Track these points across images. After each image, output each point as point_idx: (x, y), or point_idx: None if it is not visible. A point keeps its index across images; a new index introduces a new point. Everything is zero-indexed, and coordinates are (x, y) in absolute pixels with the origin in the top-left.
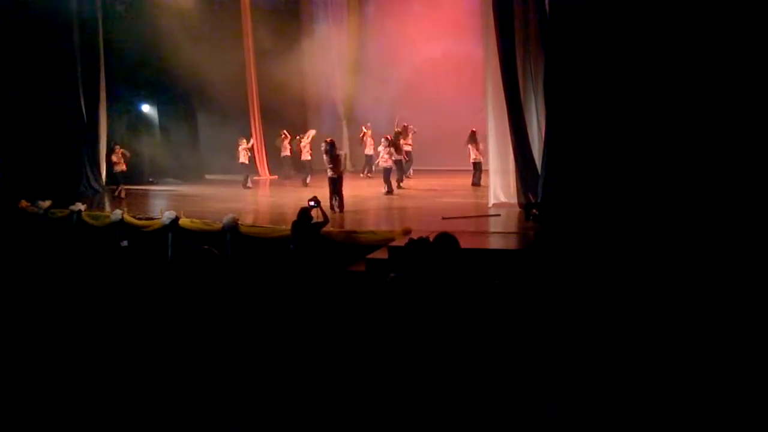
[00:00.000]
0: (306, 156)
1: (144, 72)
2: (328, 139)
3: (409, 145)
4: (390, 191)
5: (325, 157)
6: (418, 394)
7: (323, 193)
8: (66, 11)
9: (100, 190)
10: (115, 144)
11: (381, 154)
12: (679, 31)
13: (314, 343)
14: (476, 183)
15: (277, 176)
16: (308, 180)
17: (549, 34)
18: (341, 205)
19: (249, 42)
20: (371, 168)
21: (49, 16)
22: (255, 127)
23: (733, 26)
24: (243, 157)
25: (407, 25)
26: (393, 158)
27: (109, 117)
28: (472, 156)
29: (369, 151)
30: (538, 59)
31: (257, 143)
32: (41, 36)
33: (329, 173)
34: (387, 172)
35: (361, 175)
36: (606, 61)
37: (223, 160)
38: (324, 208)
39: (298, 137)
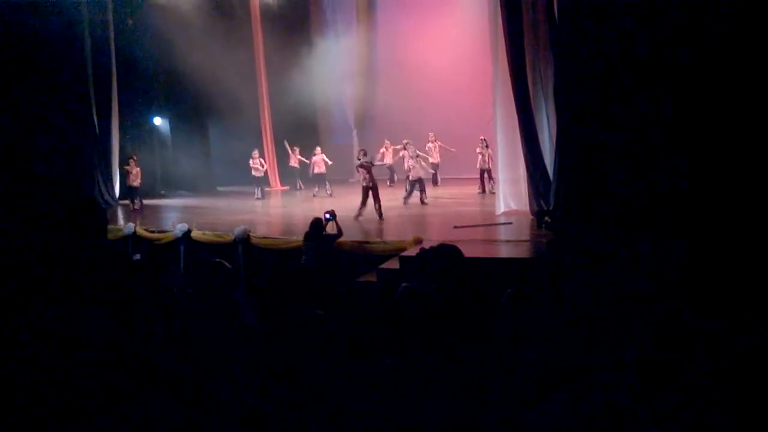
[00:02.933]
0: (321, 169)
1: (155, 85)
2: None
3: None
4: (407, 199)
5: (361, 165)
6: (429, 403)
7: (340, 205)
8: (77, 26)
9: (113, 203)
10: (131, 158)
11: (411, 165)
12: (690, 34)
13: (325, 354)
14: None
15: (288, 187)
16: (329, 190)
17: (558, 40)
18: (380, 212)
19: (259, 53)
20: (393, 178)
21: (60, 31)
22: (266, 137)
23: (746, 29)
24: (255, 171)
25: (416, 34)
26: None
27: (121, 130)
28: (482, 163)
29: (389, 162)
30: (547, 65)
31: (269, 154)
32: (53, 50)
33: (365, 182)
34: (414, 182)
35: (389, 184)
36: (616, 66)
37: (235, 171)
38: (340, 219)
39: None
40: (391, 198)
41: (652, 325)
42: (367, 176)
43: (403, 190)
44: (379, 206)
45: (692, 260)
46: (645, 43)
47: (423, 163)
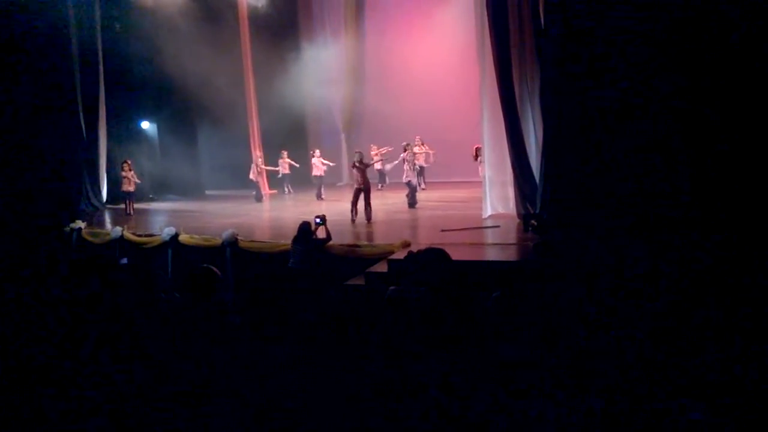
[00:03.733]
0: (318, 171)
1: (143, 89)
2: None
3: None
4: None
5: (356, 167)
6: (418, 407)
7: (331, 209)
8: (64, 30)
9: (100, 207)
10: (125, 162)
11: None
12: (675, 38)
13: (312, 358)
14: None
15: (276, 191)
16: (323, 194)
17: (544, 45)
18: (369, 215)
19: (247, 57)
20: (385, 181)
21: (47, 36)
22: (254, 141)
23: (733, 32)
24: (253, 174)
25: (404, 39)
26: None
27: (108, 134)
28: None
29: (379, 166)
30: (533, 69)
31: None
32: (40, 55)
33: (357, 184)
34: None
35: (380, 186)
36: (602, 70)
37: (224, 176)
38: (331, 224)
39: (312, 152)
40: (381, 202)
41: (645, 327)
42: (360, 178)
43: (397, 194)
44: (369, 210)
45: (682, 263)
46: (631, 47)
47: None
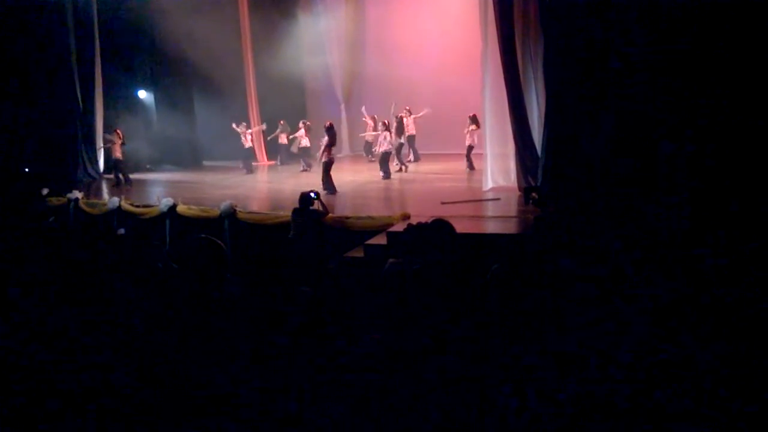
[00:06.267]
0: (305, 143)
1: (140, 58)
2: (328, 123)
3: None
4: (387, 176)
5: (326, 139)
6: (418, 381)
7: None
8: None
9: (97, 177)
10: (116, 131)
11: (379, 139)
12: (678, 12)
13: (313, 331)
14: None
15: (274, 162)
16: (305, 166)
17: (548, 15)
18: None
19: (245, 26)
20: (373, 153)
21: (42, 4)
22: (252, 112)
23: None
24: (246, 142)
25: (405, 7)
26: (391, 143)
27: (105, 104)
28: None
29: (370, 139)
30: (537, 40)
31: (255, 128)
32: (35, 24)
33: (325, 157)
34: (384, 156)
35: (371, 158)
36: (606, 42)
37: (222, 146)
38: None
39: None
40: (375, 174)
41: (643, 304)
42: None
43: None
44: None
45: (683, 237)
46: (636, 19)
47: (390, 135)
